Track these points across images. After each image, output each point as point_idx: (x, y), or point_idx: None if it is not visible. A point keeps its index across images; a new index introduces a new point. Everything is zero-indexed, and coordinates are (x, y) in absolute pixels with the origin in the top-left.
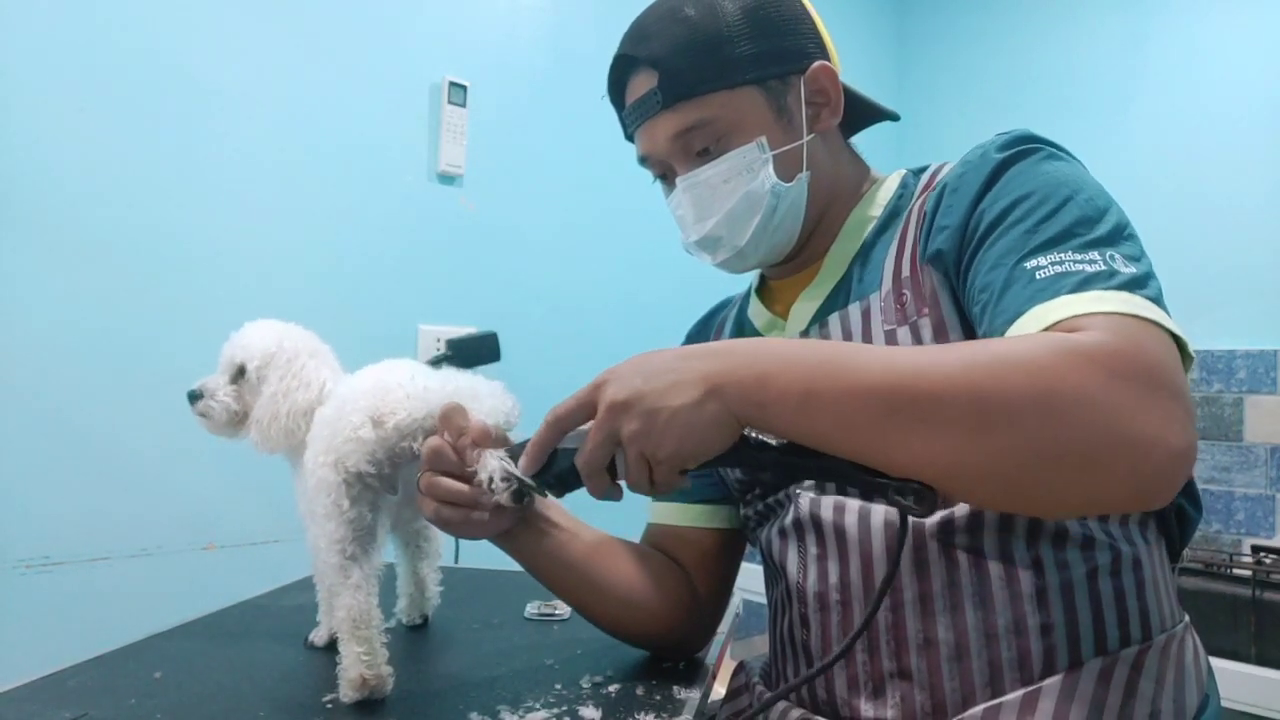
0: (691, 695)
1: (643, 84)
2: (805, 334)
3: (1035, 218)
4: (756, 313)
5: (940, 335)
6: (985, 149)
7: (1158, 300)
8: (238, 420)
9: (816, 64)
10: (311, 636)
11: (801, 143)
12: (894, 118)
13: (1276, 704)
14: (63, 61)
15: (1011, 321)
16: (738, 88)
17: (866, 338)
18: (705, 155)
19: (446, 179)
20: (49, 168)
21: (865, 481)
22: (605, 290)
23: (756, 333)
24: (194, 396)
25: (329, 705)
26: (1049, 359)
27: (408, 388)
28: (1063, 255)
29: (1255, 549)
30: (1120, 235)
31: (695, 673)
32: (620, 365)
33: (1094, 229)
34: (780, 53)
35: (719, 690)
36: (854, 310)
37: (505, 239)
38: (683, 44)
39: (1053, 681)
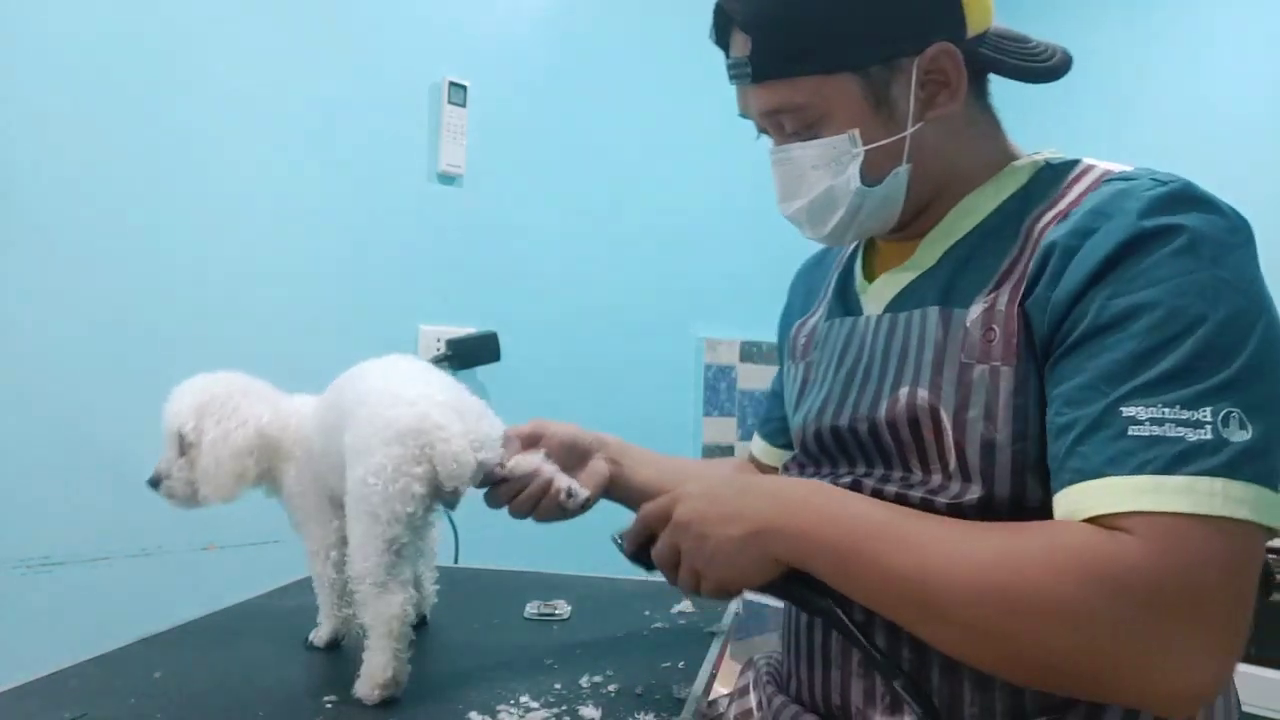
0: (691, 695)
1: (738, 45)
2: (879, 319)
3: (1153, 340)
4: (859, 267)
5: (1021, 393)
6: (1128, 210)
7: (1265, 477)
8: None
9: (935, 47)
10: (312, 636)
11: (904, 135)
12: (1052, 76)
13: (1278, 704)
14: (62, 62)
15: (1080, 478)
16: (832, 74)
17: (939, 361)
18: (797, 134)
19: (446, 179)
20: (49, 168)
21: (885, 671)
22: (605, 290)
23: (854, 288)
24: (153, 483)
25: (329, 705)
26: (1072, 581)
27: (455, 448)
28: (1166, 410)
29: None
30: (1251, 373)
31: (695, 673)
32: (696, 484)
33: (1220, 368)
34: (890, 33)
35: (719, 690)
36: (934, 316)
37: (505, 239)
38: (776, 12)
39: (1076, 711)
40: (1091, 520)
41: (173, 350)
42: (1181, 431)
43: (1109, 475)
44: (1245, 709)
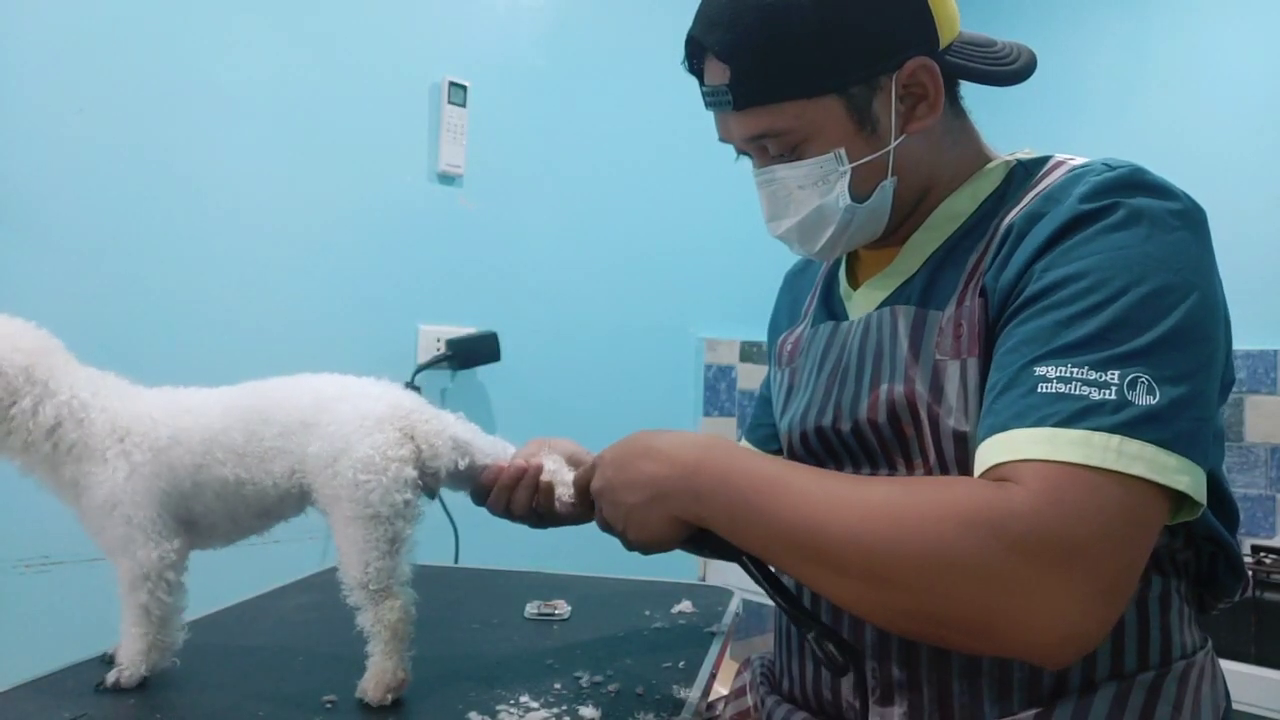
0: (691, 695)
1: (715, 73)
2: (858, 322)
3: (1075, 308)
4: (842, 274)
5: (985, 380)
6: (1074, 194)
7: (1169, 441)
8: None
9: (912, 62)
10: (115, 677)
11: (888, 150)
12: (1011, 79)
13: (1277, 704)
14: (62, 62)
15: (991, 433)
16: (815, 97)
17: (914, 359)
18: (781, 157)
19: (446, 179)
20: (48, 168)
21: (795, 620)
22: (605, 290)
23: (839, 295)
24: None
25: (329, 705)
26: (947, 528)
27: (436, 425)
28: (1075, 370)
29: (1255, 549)
30: (1166, 345)
31: (695, 673)
32: (610, 450)
33: (1134, 336)
34: (867, 53)
35: (719, 690)
36: (910, 316)
37: (505, 239)
38: (755, 39)
39: (1065, 703)
40: (990, 470)
41: (172, 350)
42: (1086, 390)
43: (1013, 429)
44: (1246, 709)
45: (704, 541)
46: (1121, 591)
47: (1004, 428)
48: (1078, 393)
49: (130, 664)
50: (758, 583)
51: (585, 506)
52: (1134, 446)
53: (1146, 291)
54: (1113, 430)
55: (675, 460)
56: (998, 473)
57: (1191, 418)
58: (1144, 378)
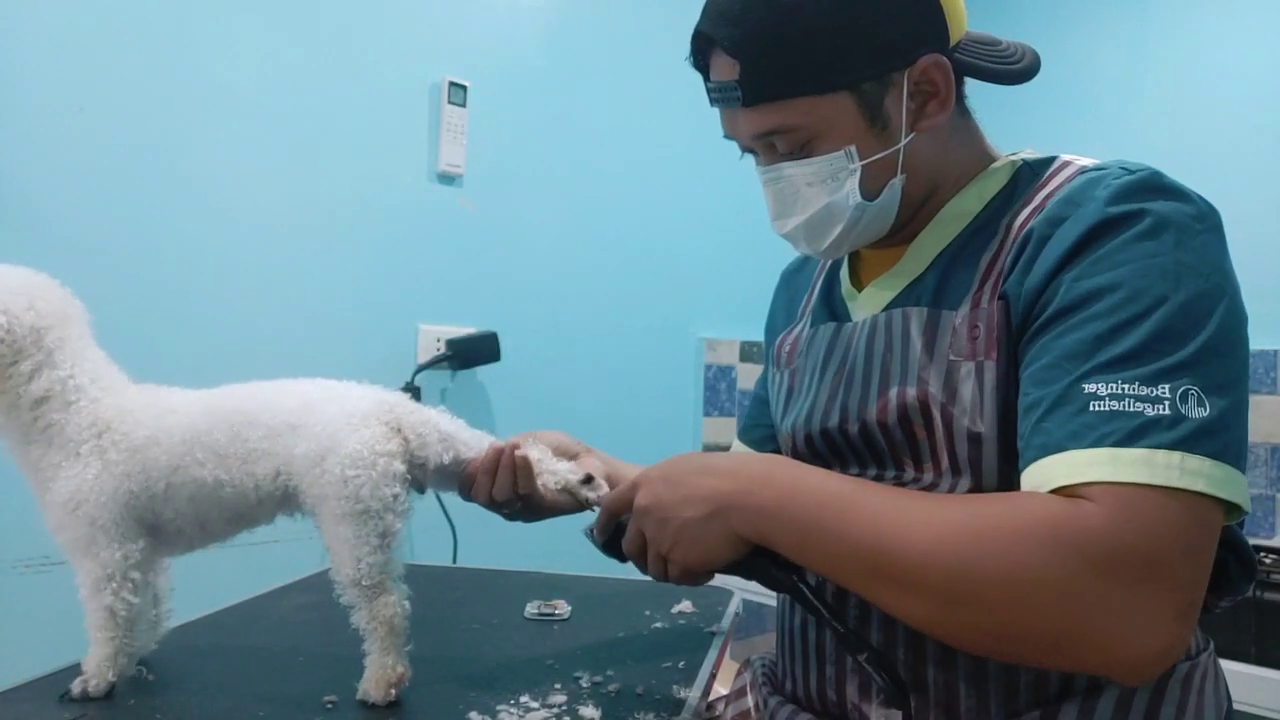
0: (691, 695)
1: (724, 69)
2: (864, 323)
3: (1114, 320)
4: (845, 275)
5: (1003, 385)
6: (1097, 198)
7: (1221, 453)
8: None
9: (925, 59)
10: (78, 688)
11: (898, 148)
12: (1018, 77)
13: (1277, 704)
14: (61, 61)
15: (1044, 454)
16: (826, 94)
17: (927, 360)
18: (790, 154)
19: (446, 179)
20: (48, 168)
21: (850, 647)
22: (605, 290)
23: (840, 295)
24: None
25: (329, 705)
26: (1028, 546)
27: (421, 415)
28: (1126, 386)
29: (1256, 549)
30: (1209, 354)
31: (695, 673)
32: (656, 468)
33: (1179, 347)
34: (879, 49)
35: (719, 690)
36: (921, 317)
37: (505, 239)
38: (766, 34)
39: (1070, 705)
40: (1053, 493)
41: (171, 350)
42: (1140, 407)
43: (1070, 449)
44: (1246, 709)
45: (754, 565)
46: (1198, 604)
47: (1060, 448)
48: (1132, 409)
49: (97, 672)
50: (810, 610)
51: (613, 531)
52: (1194, 462)
53: (1183, 300)
54: (1173, 447)
55: (740, 474)
56: (1064, 494)
57: (1238, 427)
58: (1193, 390)
